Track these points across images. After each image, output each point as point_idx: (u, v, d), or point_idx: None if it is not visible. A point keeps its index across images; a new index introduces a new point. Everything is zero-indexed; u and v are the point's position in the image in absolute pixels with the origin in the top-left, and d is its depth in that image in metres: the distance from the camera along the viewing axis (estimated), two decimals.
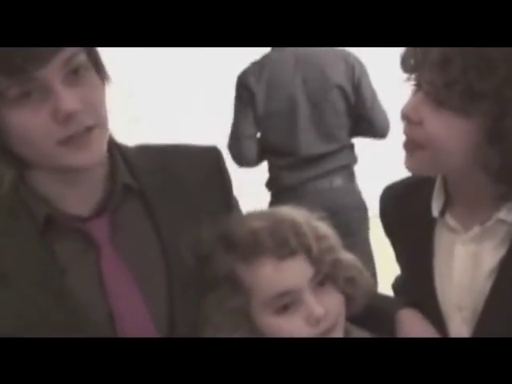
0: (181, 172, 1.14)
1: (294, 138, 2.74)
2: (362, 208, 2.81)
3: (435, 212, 1.19)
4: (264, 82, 2.72)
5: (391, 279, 1.42)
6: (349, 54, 2.77)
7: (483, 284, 1.15)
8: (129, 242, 1.06)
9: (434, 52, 1.04)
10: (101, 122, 0.99)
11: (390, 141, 2.83)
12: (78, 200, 1.05)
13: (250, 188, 3.11)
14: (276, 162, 2.81)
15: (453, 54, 1.02)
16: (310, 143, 2.74)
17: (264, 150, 2.81)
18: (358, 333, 1.15)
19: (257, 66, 2.76)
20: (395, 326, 1.18)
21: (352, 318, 1.14)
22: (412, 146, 1.12)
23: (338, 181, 2.79)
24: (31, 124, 0.94)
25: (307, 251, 1.07)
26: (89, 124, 0.96)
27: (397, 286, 1.40)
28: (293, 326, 1.06)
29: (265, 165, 2.92)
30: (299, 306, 1.06)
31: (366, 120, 2.79)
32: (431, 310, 1.20)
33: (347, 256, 1.15)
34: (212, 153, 1.20)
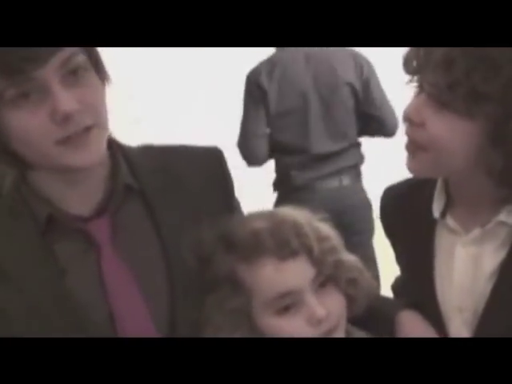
0: (182, 172, 1.14)
1: (305, 136, 2.74)
2: (368, 208, 2.82)
3: (436, 213, 1.19)
4: (276, 81, 2.72)
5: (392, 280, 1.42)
6: (357, 54, 2.79)
7: (484, 286, 1.15)
8: (129, 243, 1.06)
9: (437, 53, 1.04)
10: (100, 122, 0.99)
11: (392, 141, 2.84)
12: (79, 200, 1.05)
13: (251, 188, 3.11)
14: (285, 161, 2.81)
15: (456, 56, 1.02)
16: (320, 141, 2.75)
17: (273, 149, 2.82)
18: (359, 334, 1.15)
19: (268, 65, 2.75)
20: (395, 327, 1.18)
21: (352, 320, 1.14)
22: (414, 148, 1.11)
23: (346, 180, 2.80)
24: (29, 125, 0.94)
25: (308, 252, 1.06)
26: (87, 124, 0.96)
27: (396, 287, 1.40)
28: (294, 327, 1.06)
29: (266, 165, 2.91)
30: (300, 307, 1.06)
31: (375, 119, 2.81)
32: (431, 311, 1.20)
33: (349, 257, 1.15)
34: (213, 153, 1.20)
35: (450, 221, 1.19)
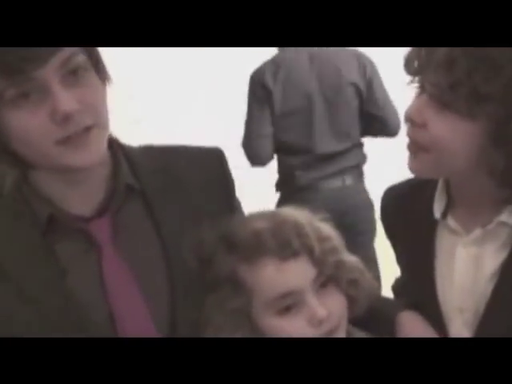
0: (183, 173, 1.14)
1: (310, 136, 2.75)
2: (370, 208, 2.82)
3: (437, 214, 1.19)
4: (280, 81, 2.72)
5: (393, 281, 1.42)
6: (360, 54, 2.80)
7: (484, 286, 1.15)
8: (130, 243, 1.07)
9: (439, 54, 1.04)
10: (100, 122, 0.99)
11: (394, 141, 2.84)
12: (80, 200, 1.05)
13: (253, 189, 3.11)
14: (289, 162, 2.81)
15: (457, 56, 1.02)
16: (324, 142, 2.76)
17: (276, 149, 2.82)
18: (360, 335, 1.15)
19: (272, 65, 2.75)
20: (396, 328, 1.18)
21: (353, 320, 1.14)
22: (415, 149, 1.11)
23: (349, 180, 2.81)
24: (29, 125, 0.94)
25: (310, 252, 1.06)
26: (87, 124, 0.96)
27: (397, 287, 1.40)
28: (295, 328, 1.06)
29: (268, 165, 2.91)
30: (301, 308, 1.06)
31: (378, 119, 2.82)
32: (432, 312, 1.20)
33: (350, 258, 1.14)
34: (214, 154, 1.20)
35: (450, 221, 1.18)
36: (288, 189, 2.84)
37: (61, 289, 1.01)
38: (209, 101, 4.61)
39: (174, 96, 4.61)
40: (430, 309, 1.20)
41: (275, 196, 2.94)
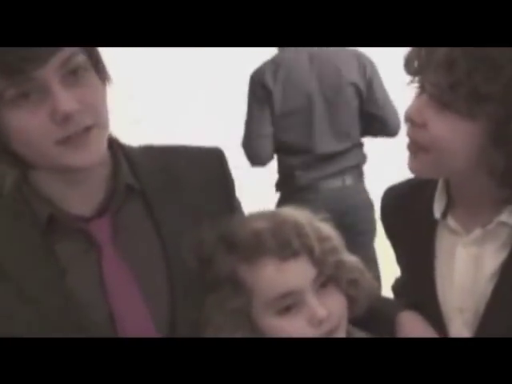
0: (183, 173, 1.14)
1: (310, 136, 2.75)
2: (370, 208, 2.82)
3: (437, 214, 1.19)
4: (281, 81, 2.72)
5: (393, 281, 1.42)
6: (360, 54, 2.80)
7: (484, 286, 1.15)
8: (130, 243, 1.07)
9: (439, 54, 1.04)
10: (100, 122, 0.99)
11: (394, 142, 2.84)
12: (81, 200, 1.05)
13: (253, 189, 3.11)
14: (289, 162, 2.81)
15: (458, 56, 1.02)
16: (325, 141, 2.76)
17: (276, 150, 2.82)
18: (359, 335, 1.15)
19: (272, 65, 2.75)
20: (396, 328, 1.18)
21: (353, 321, 1.14)
22: (415, 149, 1.11)
23: (349, 180, 2.81)
24: (29, 125, 0.94)
25: (310, 252, 1.06)
26: (87, 124, 0.96)
27: (396, 287, 1.40)
28: (295, 328, 1.05)
29: (268, 165, 2.91)
30: (301, 308, 1.06)
31: (378, 119, 2.82)
32: (432, 312, 1.20)
33: (350, 258, 1.14)
34: (214, 154, 1.20)
35: (450, 221, 1.18)
36: (288, 189, 2.84)
37: (61, 289, 1.01)
38: (208, 101, 4.61)
39: (174, 96, 4.61)
40: (430, 309, 1.20)
41: (275, 196, 2.94)
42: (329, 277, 1.08)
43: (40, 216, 1.03)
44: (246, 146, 2.81)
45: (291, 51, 2.76)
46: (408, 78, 1.11)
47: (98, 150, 1.00)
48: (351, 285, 1.11)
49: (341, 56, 2.76)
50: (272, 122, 2.75)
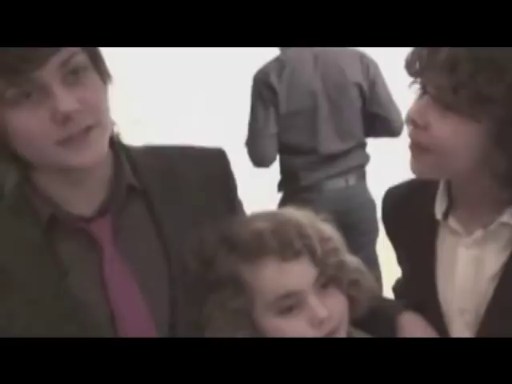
0: (185, 173, 1.14)
1: (314, 136, 2.75)
2: (372, 208, 2.82)
3: (438, 215, 1.19)
4: (286, 81, 2.72)
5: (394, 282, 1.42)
6: (363, 54, 2.80)
7: (486, 288, 1.15)
8: (131, 243, 1.06)
9: (441, 56, 1.03)
10: (101, 122, 0.99)
11: (394, 142, 2.84)
12: (82, 200, 1.05)
13: (254, 189, 3.11)
14: (292, 162, 2.81)
15: (460, 58, 1.01)
16: (329, 142, 2.76)
17: (280, 150, 2.81)
18: (360, 336, 1.15)
19: (276, 65, 2.75)
20: (396, 329, 1.18)
21: (353, 322, 1.14)
22: (417, 150, 1.11)
23: (352, 180, 2.81)
24: (30, 124, 0.94)
25: (311, 253, 1.06)
26: (88, 124, 0.96)
27: (397, 288, 1.40)
28: (296, 328, 1.05)
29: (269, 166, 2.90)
30: (303, 308, 1.06)
31: (381, 119, 2.82)
32: (433, 313, 1.20)
33: (351, 259, 1.14)
34: (217, 154, 1.20)
35: (452, 222, 1.18)
36: (291, 189, 2.84)
37: (62, 288, 1.01)
38: (210, 101, 4.61)
39: (175, 96, 4.61)
40: (431, 309, 1.20)
41: (277, 196, 2.94)
42: (330, 277, 1.08)
43: (41, 216, 1.03)
44: (250, 146, 2.80)
45: (295, 51, 2.75)
46: (409, 78, 1.11)
47: (98, 150, 1.00)
48: (352, 285, 1.11)
49: (344, 56, 2.76)
50: (277, 122, 2.74)
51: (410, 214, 1.25)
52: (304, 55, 2.74)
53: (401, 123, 2.78)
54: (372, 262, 2.79)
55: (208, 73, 4.54)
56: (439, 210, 1.19)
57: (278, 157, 2.86)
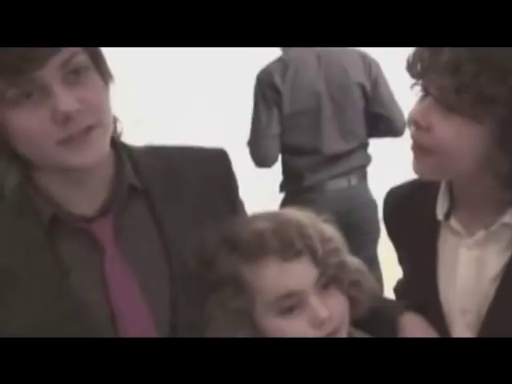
0: (186, 173, 1.14)
1: (318, 136, 2.75)
2: (373, 208, 2.82)
3: (440, 215, 1.19)
4: (290, 81, 2.72)
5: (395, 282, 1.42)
6: (365, 54, 2.80)
7: (487, 288, 1.15)
8: (133, 243, 1.06)
9: (443, 57, 1.03)
10: (102, 122, 0.99)
11: (395, 143, 2.84)
12: (84, 200, 1.05)
13: (255, 190, 3.11)
14: (295, 162, 2.80)
15: (463, 59, 1.01)
16: (332, 142, 2.76)
17: (283, 150, 2.81)
18: (361, 336, 1.15)
19: (280, 65, 2.74)
20: (397, 330, 1.18)
21: (354, 322, 1.14)
22: (420, 151, 1.11)
23: (354, 180, 2.81)
24: (31, 124, 0.94)
25: (312, 253, 1.06)
26: (89, 124, 0.96)
27: (399, 289, 1.40)
28: (297, 328, 1.05)
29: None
30: (303, 308, 1.06)
31: (384, 119, 2.82)
32: (434, 313, 1.20)
33: (352, 259, 1.14)
34: (218, 155, 1.20)
35: (453, 223, 1.18)
36: (293, 189, 2.84)
37: (63, 288, 1.01)
38: (211, 101, 4.61)
39: (177, 96, 4.61)
40: (433, 310, 1.20)
41: (279, 197, 2.94)
42: (331, 278, 1.08)
43: (43, 216, 1.03)
44: (253, 146, 2.80)
45: (297, 51, 2.75)
46: (410, 78, 1.10)
47: (99, 150, 1.00)
48: (353, 286, 1.11)
49: (346, 56, 2.76)
50: (280, 122, 2.74)
51: (412, 214, 1.25)
52: (307, 55, 2.74)
53: (403, 123, 2.78)
54: (373, 263, 2.79)
55: (209, 73, 4.54)
56: (441, 210, 1.19)
57: (279, 157, 2.86)
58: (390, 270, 1.80)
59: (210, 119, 4.54)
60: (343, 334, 1.08)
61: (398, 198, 1.31)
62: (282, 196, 2.94)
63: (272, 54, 2.83)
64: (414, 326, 1.18)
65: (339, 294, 1.09)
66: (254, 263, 1.07)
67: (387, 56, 2.81)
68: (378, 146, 3.04)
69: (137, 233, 1.08)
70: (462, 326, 1.18)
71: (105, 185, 1.07)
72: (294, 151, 2.78)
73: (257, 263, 1.06)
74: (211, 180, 1.15)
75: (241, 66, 2.81)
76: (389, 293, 1.41)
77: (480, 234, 1.15)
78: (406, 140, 1.15)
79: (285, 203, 2.84)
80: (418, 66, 1.08)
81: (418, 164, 1.13)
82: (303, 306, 1.05)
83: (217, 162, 1.19)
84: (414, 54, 1.09)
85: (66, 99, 0.93)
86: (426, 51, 1.07)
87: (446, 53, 1.03)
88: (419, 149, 1.11)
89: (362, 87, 2.76)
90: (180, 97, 4.61)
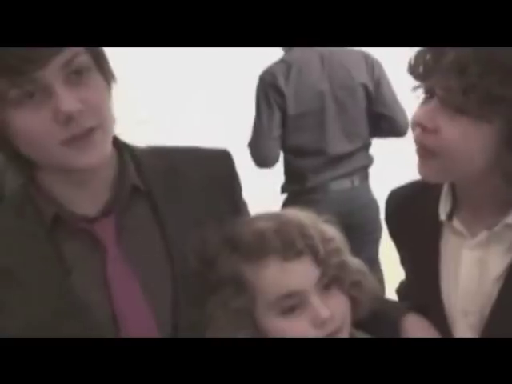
0: (189, 174, 1.14)
1: (322, 137, 2.74)
2: (375, 209, 2.82)
3: (442, 216, 1.19)
4: (293, 82, 2.71)
5: (397, 283, 1.42)
6: (368, 54, 2.80)
7: (490, 289, 1.14)
8: (135, 244, 1.07)
9: (448, 58, 1.03)
10: (103, 123, 0.99)
11: (395, 143, 2.84)
12: (86, 200, 1.05)
13: (257, 191, 3.11)
14: (298, 163, 2.80)
15: (469, 60, 1.01)
16: (337, 143, 2.76)
17: (286, 151, 2.81)
18: (362, 337, 1.15)
19: (283, 67, 2.74)
20: (400, 331, 1.18)
21: (356, 323, 1.14)
22: (425, 153, 1.10)
23: (357, 181, 2.81)
24: (33, 125, 0.94)
25: (314, 253, 1.06)
26: (90, 125, 0.96)
27: (401, 290, 1.40)
28: (298, 328, 1.05)
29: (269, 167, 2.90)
30: (305, 308, 1.06)
31: (387, 120, 2.82)
32: (436, 314, 1.19)
33: (353, 260, 1.14)
34: (222, 156, 1.20)
35: (456, 223, 1.18)
36: (296, 190, 2.84)
37: (65, 288, 1.01)
38: (214, 102, 4.61)
39: (180, 97, 4.61)
40: (435, 311, 1.20)
41: (280, 198, 2.94)
42: (332, 278, 1.08)
43: (45, 216, 1.03)
44: (254, 147, 2.79)
45: (300, 52, 2.75)
46: (411, 78, 1.10)
47: (102, 151, 1.00)
48: (354, 286, 1.11)
49: (349, 57, 2.76)
50: (283, 123, 2.73)
51: (414, 215, 1.25)
52: (310, 56, 2.74)
53: (406, 123, 2.78)
54: (374, 264, 2.79)
55: (212, 73, 4.54)
56: (443, 211, 1.19)
57: (281, 158, 2.86)
58: (392, 271, 1.80)
59: (212, 120, 4.54)
60: (344, 335, 1.08)
61: (401, 198, 1.31)
62: (283, 197, 2.94)
63: (275, 54, 2.83)
64: (416, 328, 1.18)
65: (340, 294, 1.09)
66: (255, 263, 1.07)
67: (389, 56, 2.81)
68: (379, 147, 3.04)
69: (139, 233, 1.08)
70: (465, 328, 1.17)
71: (107, 185, 1.07)
72: (298, 152, 2.78)
73: (258, 263, 1.06)
74: (214, 181, 1.15)
75: (245, 67, 2.81)
76: (390, 294, 1.41)
77: (483, 235, 1.15)
78: (406, 140, 1.15)
79: (286, 204, 2.84)
80: (421, 68, 1.08)
81: (423, 167, 1.12)
82: (304, 305, 1.05)
83: (220, 162, 1.19)
84: (417, 56, 1.09)
85: (67, 99, 0.93)
86: (428, 53, 1.07)
87: (451, 54, 1.03)
88: (425, 151, 1.10)
89: (365, 87, 2.76)
90: (183, 97, 4.61)
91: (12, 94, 0.92)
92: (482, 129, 1.04)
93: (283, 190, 2.93)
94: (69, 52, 0.93)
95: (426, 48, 1.08)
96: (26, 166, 1.03)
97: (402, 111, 2.81)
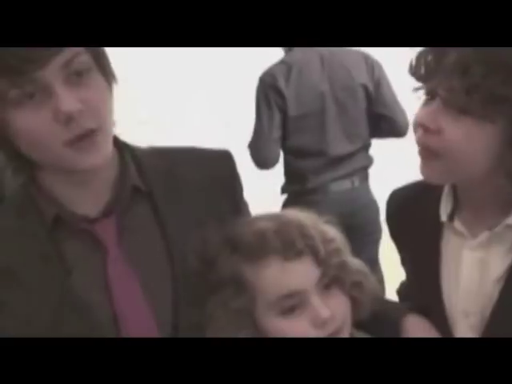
0: (190, 175, 1.14)
1: (323, 138, 2.74)
2: (376, 210, 2.83)
3: (443, 216, 1.19)
4: (294, 84, 2.71)
5: (397, 284, 1.42)
6: (368, 55, 2.80)
7: (490, 290, 1.14)
8: (136, 244, 1.07)
9: (450, 59, 1.02)
10: (104, 124, 0.99)
11: (394, 143, 2.84)
12: (87, 201, 1.05)
13: (257, 191, 3.11)
14: (299, 164, 2.80)
15: (471, 60, 1.00)
16: (337, 143, 2.76)
17: (286, 152, 2.80)
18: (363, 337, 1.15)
19: (283, 68, 2.73)
20: (400, 332, 1.18)
21: (357, 324, 1.14)
22: (428, 155, 1.09)
23: (357, 182, 2.81)
24: (34, 125, 0.94)
25: (314, 253, 1.06)
26: (91, 126, 0.96)
27: (402, 291, 1.40)
28: (298, 328, 1.05)
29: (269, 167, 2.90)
30: (305, 308, 1.05)
31: (387, 120, 2.82)
32: (437, 315, 1.19)
33: (354, 260, 1.14)
34: (223, 156, 1.20)
35: (457, 224, 1.18)
36: (296, 191, 2.84)
37: (65, 288, 1.01)
38: (215, 102, 4.61)
39: (181, 97, 4.61)
40: (436, 312, 1.20)
41: (280, 199, 2.94)
42: (332, 278, 1.08)
43: (46, 216, 1.03)
44: (254, 148, 2.79)
45: (300, 53, 2.75)
46: (411, 78, 1.10)
47: (103, 151, 1.00)
48: (355, 287, 1.11)
49: (349, 57, 2.76)
50: (284, 125, 2.73)
51: (415, 215, 1.25)
52: (310, 57, 2.74)
53: (406, 124, 2.79)
54: (374, 264, 2.79)
55: (212, 74, 4.54)
56: (444, 211, 1.19)
57: (282, 159, 2.86)
58: (392, 271, 1.80)
59: (212, 120, 4.54)
60: (345, 335, 1.08)
61: (401, 199, 1.31)
62: (283, 198, 2.94)
63: (275, 55, 2.83)
64: (417, 328, 1.18)
65: (341, 294, 1.09)
66: (256, 263, 1.07)
67: (389, 57, 2.81)
68: (379, 147, 3.04)
69: (139, 234, 1.08)
70: (465, 328, 1.17)
71: (108, 186, 1.07)
72: (298, 153, 2.78)
73: (258, 263, 1.06)
74: (215, 181, 1.15)
75: (246, 67, 2.81)
76: (391, 295, 1.41)
77: (484, 236, 1.14)
78: (406, 141, 1.15)
79: (287, 205, 2.84)
80: (423, 70, 1.08)
81: (426, 168, 1.12)
82: (305, 305, 1.05)
83: (221, 163, 1.19)
84: (418, 58, 1.08)
85: (67, 99, 0.93)
86: (429, 54, 1.06)
87: (452, 54, 1.03)
88: (427, 153, 1.10)
89: (365, 88, 2.76)
90: (184, 98, 4.61)
91: (12, 94, 0.92)
92: (486, 129, 1.04)
93: (283, 190, 2.93)
94: (69, 52, 0.93)
95: (427, 49, 1.07)
96: (27, 165, 1.03)
97: (402, 112, 2.81)
